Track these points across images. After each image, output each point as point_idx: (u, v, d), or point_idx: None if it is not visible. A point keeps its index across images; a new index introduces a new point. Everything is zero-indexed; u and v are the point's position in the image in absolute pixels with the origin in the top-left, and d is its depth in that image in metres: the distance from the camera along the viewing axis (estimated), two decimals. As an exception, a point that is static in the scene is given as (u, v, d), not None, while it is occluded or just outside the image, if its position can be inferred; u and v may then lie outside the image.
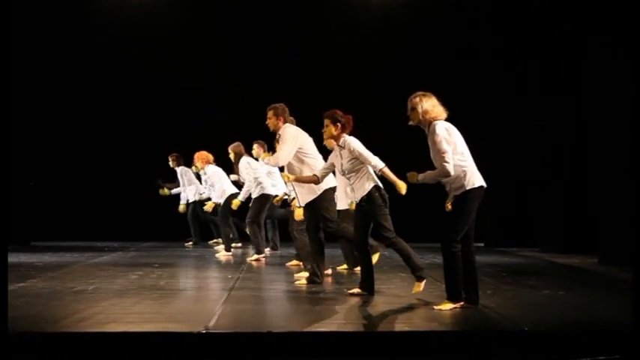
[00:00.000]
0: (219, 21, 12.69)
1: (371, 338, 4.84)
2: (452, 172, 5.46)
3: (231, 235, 10.46)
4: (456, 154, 5.52)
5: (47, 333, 4.79)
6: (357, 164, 6.33)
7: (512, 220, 11.95)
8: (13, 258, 9.51)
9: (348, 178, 6.43)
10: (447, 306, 5.56)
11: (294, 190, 7.28)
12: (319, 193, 7.00)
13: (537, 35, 11.21)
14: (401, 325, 5.09)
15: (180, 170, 11.90)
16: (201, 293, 6.65)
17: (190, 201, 11.96)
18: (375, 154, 6.40)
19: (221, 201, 10.33)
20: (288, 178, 6.83)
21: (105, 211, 12.70)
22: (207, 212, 11.63)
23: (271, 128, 7.34)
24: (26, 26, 11.46)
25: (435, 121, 5.56)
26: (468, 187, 5.51)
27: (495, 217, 12.03)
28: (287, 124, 7.25)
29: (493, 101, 11.97)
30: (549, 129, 11.07)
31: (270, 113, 7.28)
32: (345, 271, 8.24)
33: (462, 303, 5.58)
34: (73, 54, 12.55)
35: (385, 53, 12.40)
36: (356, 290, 6.38)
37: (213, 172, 10.62)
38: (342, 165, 6.43)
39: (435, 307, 5.59)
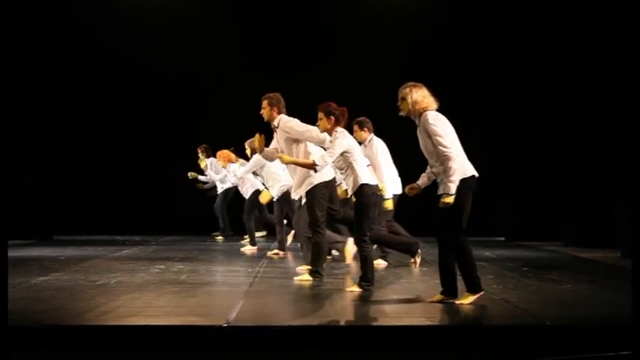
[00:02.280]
0: (237, 13, 12.67)
1: (392, 332, 4.83)
2: (454, 155, 5.41)
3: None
4: None
5: (70, 326, 4.83)
6: (344, 162, 6.27)
7: (534, 213, 11.87)
8: (36, 252, 9.63)
9: (341, 174, 6.39)
10: (469, 299, 5.53)
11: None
12: (313, 184, 6.81)
13: (561, 25, 11.13)
14: (422, 319, 5.07)
15: (209, 162, 11.92)
16: (222, 287, 6.67)
17: (218, 192, 11.97)
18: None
19: (248, 195, 10.38)
20: (283, 159, 6.67)
21: (126, 205, 12.75)
22: (221, 206, 11.74)
23: (265, 118, 7.14)
24: (28, 18, 11.33)
25: (426, 111, 5.55)
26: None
27: (517, 211, 11.96)
28: (282, 115, 7.07)
29: (515, 93, 11.88)
30: (572, 122, 10.98)
31: (264, 103, 7.10)
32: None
33: (482, 293, 5.56)
34: (85, 45, 12.50)
35: (399, 44, 12.33)
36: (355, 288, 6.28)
37: (236, 169, 10.67)
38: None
39: (457, 301, 5.56)
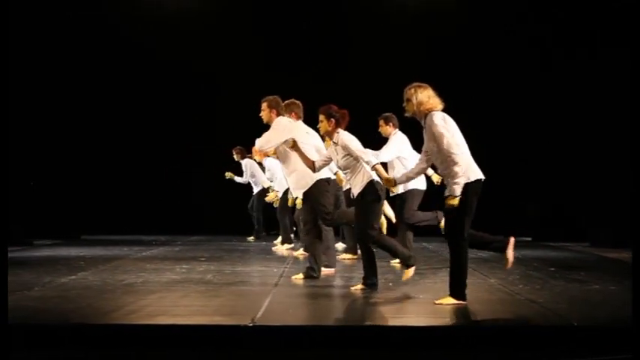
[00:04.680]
0: (240, 13, 12.70)
1: (419, 333, 4.82)
2: (459, 158, 5.35)
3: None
4: None
5: (98, 325, 4.89)
6: (352, 161, 6.27)
7: (560, 213, 11.78)
8: (63, 251, 9.73)
9: (345, 174, 6.42)
10: (449, 301, 5.49)
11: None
12: (311, 184, 6.90)
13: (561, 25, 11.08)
14: (447, 320, 5.07)
15: (244, 163, 11.89)
16: (247, 286, 6.70)
17: (254, 193, 11.97)
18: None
19: (281, 193, 10.41)
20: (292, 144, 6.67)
21: (153, 206, 12.84)
22: (257, 208, 11.75)
23: (265, 120, 7.21)
24: (28, 19, 11.32)
25: (432, 112, 5.52)
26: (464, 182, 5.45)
27: (543, 211, 11.87)
28: (280, 117, 7.13)
29: (538, 93, 11.80)
30: (599, 120, 10.88)
31: (263, 105, 7.17)
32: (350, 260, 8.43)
33: (464, 303, 5.48)
34: (110, 39, 12.59)
35: (417, 43, 12.30)
36: (359, 287, 6.29)
37: (272, 165, 10.70)
38: (337, 161, 6.40)
39: (436, 301, 5.54)
